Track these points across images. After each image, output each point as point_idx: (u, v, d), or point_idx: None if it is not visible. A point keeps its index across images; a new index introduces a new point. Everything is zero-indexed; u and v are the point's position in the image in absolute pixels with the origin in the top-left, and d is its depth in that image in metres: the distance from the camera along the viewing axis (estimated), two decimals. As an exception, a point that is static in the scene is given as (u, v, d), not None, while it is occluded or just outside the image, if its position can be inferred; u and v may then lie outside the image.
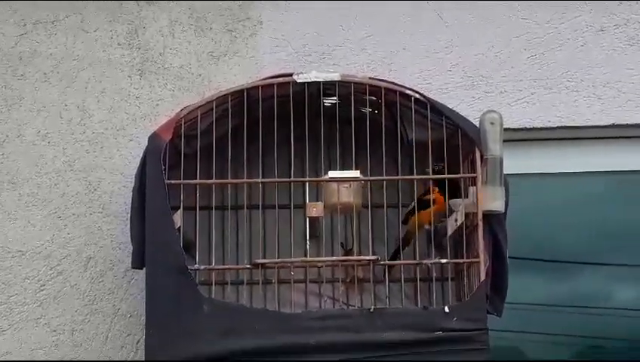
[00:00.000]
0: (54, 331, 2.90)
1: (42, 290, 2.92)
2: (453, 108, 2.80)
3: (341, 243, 2.82)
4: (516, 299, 3.02)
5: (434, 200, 2.67)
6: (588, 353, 3.17)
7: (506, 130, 2.74)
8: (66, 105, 3.01)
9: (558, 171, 3.07)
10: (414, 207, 2.71)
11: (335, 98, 2.75)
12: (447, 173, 2.66)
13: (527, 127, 2.99)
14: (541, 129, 3.00)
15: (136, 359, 2.85)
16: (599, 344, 3.18)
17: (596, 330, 3.16)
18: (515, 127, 2.97)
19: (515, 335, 3.11)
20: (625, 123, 3.00)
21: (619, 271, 3.19)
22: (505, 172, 2.67)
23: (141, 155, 2.74)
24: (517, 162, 2.93)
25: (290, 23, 3.03)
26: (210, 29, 3.04)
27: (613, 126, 3.00)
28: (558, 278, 3.20)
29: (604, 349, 3.17)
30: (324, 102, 2.77)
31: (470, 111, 2.91)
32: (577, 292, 3.18)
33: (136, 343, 2.87)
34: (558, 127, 3.00)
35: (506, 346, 3.12)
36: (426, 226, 2.72)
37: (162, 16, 3.04)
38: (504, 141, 2.69)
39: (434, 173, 2.66)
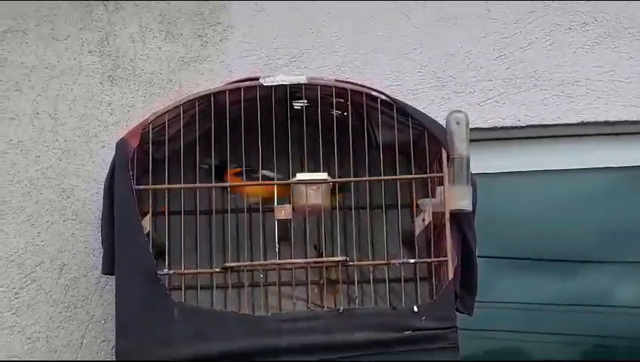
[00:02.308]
0: (29, 338, 2.90)
1: (16, 298, 2.92)
2: (424, 109, 2.81)
3: (314, 245, 2.83)
4: (513, 298, 3.06)
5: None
6: (589, 352, 3.17)
7: (475, 129, 2.76)
8: (37, 114, 3.02)
9: (528, 170, 3.08)
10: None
11: (303, 101, 2.76)
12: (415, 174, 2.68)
13: (497, 126, 3.00)
14: (511, 128, 3.01)
15: (109, 364, 2.87)
16: (596, 343, 3.18)
17: (590, 329, 3.17)
18: (485, 127, 2.98)
19: (511, 335, 3.13)
20: (594, 120, 3.01)
21: (599, 268, 3.20)
22: (475, 171, 2.69)
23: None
24: (487, 162, 2.95)
25: (260, 28, 3.04)
26: (181, 34, 3.05)
27: (582, 124, 3.01)
28: (539, 277, 3.21)
29: (604, 348, 3.18)
30: (292, 106, 2.78)
31: (440, 111, 2.92)
32: (570, 291, 3.19)
33: (112, 349, 2.88)
34: (527, 126, 3.01)
35: (504, 347, 3.13)
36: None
37: (132, 23, 3.05)
38: (474, 140, 2.71)
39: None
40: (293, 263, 2.67)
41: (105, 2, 3.06)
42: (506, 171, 3.07)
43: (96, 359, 2.89)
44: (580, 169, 3.07)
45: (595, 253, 3.17)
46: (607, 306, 3.16)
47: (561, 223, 3.16)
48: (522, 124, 3.00)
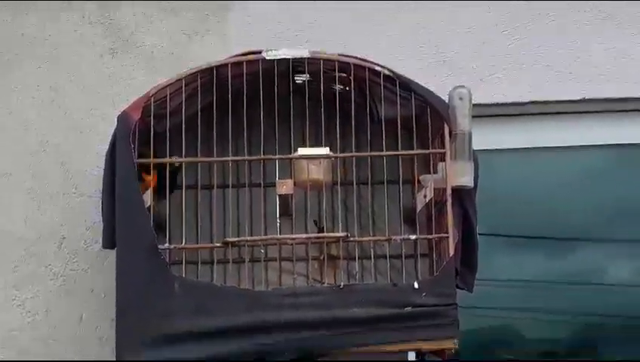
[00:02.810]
0: (29, 312, 2.90)
1: (16, 271, 2.92)
2: (426, 85, 2.78)
3: (314, 221, 2.82)
4: (511, 276, 3.06)
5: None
6: (582, 330, 3.17)
7: (478, 105, 2.75)
8: (38, 86, 3.00)
9: (530, 146, 3.07)
10: None
11: (305, 75, 2.75)
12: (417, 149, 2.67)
13: (499, 102, 2.99)
14: (513, 104, 3.00)
15: (110, 338, 2.86)
16: (594, 321, 3.19)
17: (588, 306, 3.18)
18: (488, 103, 2.97)
19: (509, 312, 3.13)
20: (596, 97, 3.00)
21: (600, 247, 3.20)
22: (477, 147, 2.68)
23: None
24: (488, 137, 2.94)
25: (263, 2, 3.02)
26: (183, 7, 3.03)
27: (584, 100, 3.00)
28: (536, 254, 3.21)
29: (599, 326, 3.18)
30: (294, 80, 2.77)
31: (442, 87, 2.87)
32: (564, 269, 3.19)
33: (111, 321, 2.87)
34: (529, 102, 3.00)
35: (501, 324, 3.14)
36: None
37: (134, -4, 3.04)
38: (477, 116, 2.69)
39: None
40: (294, 238, 2.67)
41: (107, -26, 3.04)
42: (507, 148, 3.07)
43: (95, 333, 2.88)
44: (581, 146, 3.07)
45: (593, 231, 3.17)
46: (603, 284, 3.16)
47: (561, 201, 3.16)
48: (524, 100, 2.99)
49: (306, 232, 2.78)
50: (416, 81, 2.74)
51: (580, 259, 3.19)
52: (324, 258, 2.77)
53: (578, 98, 2.99)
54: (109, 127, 2.90)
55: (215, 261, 2.67)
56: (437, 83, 2.93)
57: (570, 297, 3.15)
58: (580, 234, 3.18)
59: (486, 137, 2.91)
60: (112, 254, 2.84)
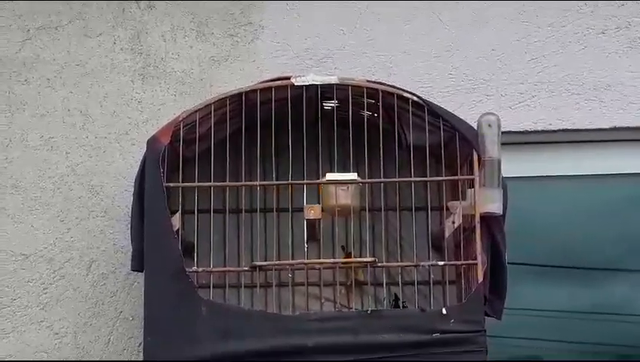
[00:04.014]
0: (57, 334, 2.92)
1: (45, 293, 2.94)
2: (454, 112, 2.79)
3: (342, 246, 2.83)
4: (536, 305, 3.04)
5: None
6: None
7: (507, 132, 2.74)
8: (69, 110, 3.03)
9: (559, 174, 3.06)
10: None
11: (334, 101, 2.76)
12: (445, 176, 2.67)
13: (529, 130, 2.99)
14: (542, 132, 2.99)
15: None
16: (616, 351, 3.16)
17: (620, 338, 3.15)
18: (517, 130, 2.97)
19: (533, 342, 3.10)
20: (626, 126, 2.99)
21: (622, 277, 3.18)
22: (506, 175, 2.67)
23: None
24: (519, 165, 2.93)
25: (291, 28, 3.04)
26: (212, 33, 3.06)
27: (614, 129, 2.99)
28: (566, 284, 3.19)
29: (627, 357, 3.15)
30: (323, 106, 2.78)
31: (471, 114, 2.90)
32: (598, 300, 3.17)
33: (138, 346, 2.89)
34: (559, 130, 2.99)
35: (526, 355, 3.11)
36: None
37: (164, 21, 3.06)
38: (506, 144, 2.69)
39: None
40: (322, 263, 2.66)
41: (137, 1, 3.07)
42: (536, 175, 3.05)
43: (122, 356, 2.89)
44: (611, 174, 3.05)
45: (622, 261, 3.14)
46: (630, 315, 3.13)
47: (590, 230, 3.13)
48: (554, 128, 2.98)
49: (334, 257, 2.78)
50: (444, 107, 2.75)
51: (606, 289, 3.16)
52: (351, 283, 2.77)
53: (608, 127, 2.98)
54: (139, 152, 2.93)
55: (243, 284, 2.67)
56: (465, 110, 2.95)
57: (597, 328, 3.12)
58: (608, 264, 3.15)
59: (514, 164, 2.90)
60: (139, 277, 2.87)
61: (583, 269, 3.17)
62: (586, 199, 3.13)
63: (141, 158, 2.77)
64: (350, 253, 2.81)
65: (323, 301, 2.70)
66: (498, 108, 2.96)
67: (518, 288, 2.97)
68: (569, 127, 2.99)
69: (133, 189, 2.78)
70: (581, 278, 3.17)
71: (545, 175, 3.06)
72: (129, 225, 2.82)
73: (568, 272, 3.17)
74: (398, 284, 2.70)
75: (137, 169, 2.79)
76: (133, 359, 2.89)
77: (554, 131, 2.99)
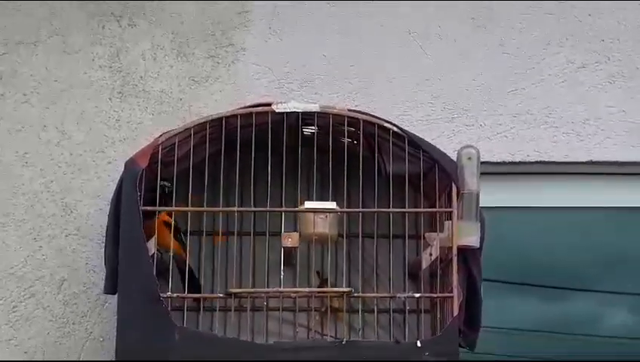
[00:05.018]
0: (26, 353, 2.88)
1: (14, 311, 2.90)
2: (433, 140, 2.81)
3: (317, 271, 2.82)
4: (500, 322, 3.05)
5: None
6: None
7: (484, 163, 2.75)
8: (45, 126, 3.00)
9: (535, 205, 3.07)
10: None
11: (314, 128, 2.75)
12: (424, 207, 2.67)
13: (506, 161, 2.99)
14: (520, 163, 3.00)
15: (107, 384, 2.85)
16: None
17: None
18: (494, 161, 2.98)
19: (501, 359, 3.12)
20: (603, 160, 3.00)
21: (597, 298, 3.19)
22: (482, 205, 2.68)
23: (118, 179, 2.73)
24: (495, 196, 2.94)
25: (272, 51, 3.03)
26: (193, 54, 3.04)
27: (591, 163, 3.00)
28: (534, 303, 3.22)
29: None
30: (303, 132, 2.77)
31: (449, 143, 2.92)
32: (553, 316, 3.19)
33: (108, 367, 2.87)
34: (536, 162, 3.00)
35: None
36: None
37: (144, 40, 3.04)
38: (483, 174, 2.69)
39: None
40: (298, 291, 2.65)
41: (118, 18, 3.05)
42: (512, 206, 3.06)
43: (93, 374, 2.87)
44: (587, 208, 3.07)
45: (587, 284, 3.16)
46: (593, 335, 3.16)
47: (561, 259, 3.16)
48: (531, 160, 2.99)
49: (309, 284, 2.77)
50: (423, 136, 2.75)
51: (574, 308, 3.19)
52: (325, 310, 2.76)
53: (585, 160, 3.00)
54: (114, 171, 2.91)
55: (217, 308, 2.66)
56: (444, 139, 2.95)
57: (564, 346, 3.15)
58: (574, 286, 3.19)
59: (490, 195, 2.91)
60: (111, 299, 2.84)
61: (547, 288, 3.20)
62: (562, 230, 3.14)
63: (117, 178, 2.74)
64: (326, 279, 2.80)
65: (298, 330, 2.69)
66: (477, 138, 2.97)
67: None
68: (546, 160, 3.00)
69: (107, 208, 2.76)
70: (543, 297, 3.17)
71: (522, 206, 3.07)
72: (102, 245, 2.80)
73: (534, 291, 3.17)
74: (373, 312, 2.69)
75: (112, 187, 2.78)
76: (102, 379, 2.87)
77: (531, 163, 3.00)
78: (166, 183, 2.65)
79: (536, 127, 3.01)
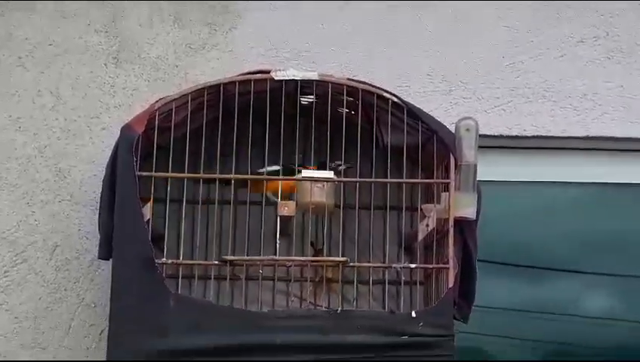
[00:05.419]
0: (17, 318, 2.86)
1: (6, 276, 2.88)
2: (430, 112, 2.79)
3: (311, 242, 2.81)
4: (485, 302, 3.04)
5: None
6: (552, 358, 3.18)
7: (481, 136, 2.74)
8: (39, 91, 2.97)
9: (531, 180, 3.07)
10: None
11: (312, 97, 2.73)
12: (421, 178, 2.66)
13: (504, 134, 2.99)
14: (517, 137, 3.00)
15: (98, 349, 2.83)
16: (567, 350, 3.19)
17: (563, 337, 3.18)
18: (491, 134, 2.97)
19: (482, 338, 3.12)
20: (600, 135, 3.00)
21: (585, 279, 3.20)
22: (478, 178, 2.67)
23: (113, 145, 2.70)
24: (491, 169, 2.93)
25: (270, 19, 3.01)
26: (190, 20, 3.01)
27: (587, 138, 3.00)
28: (529, 283, 3.21)
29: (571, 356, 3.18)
30: (301, 101, 2.75)
31: (447, 116, 2.90)
32: (546, 299, 3.18)
33: (100, 333, 2.85)
34: (533, 137, 2.99)
35: (472, 347, 3.12)
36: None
37: (141, 6, 3.01)
38: (479, 147, 2.68)
39: (335, 170, 2.66)
40: (293, 260, 2.64)
41: (115, -18, 3.02)
42: (507, 180, 3.06)
43: (83, 343, 2.85)
44: (583, 183, 3.06)
45: (570, 263, 3.16)
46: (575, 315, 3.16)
47: (553, 235, 3.15)
48: (528, 134, 2.98)
49: (303, 253, 2.76)
50: (421, 108, 2.73)
51: (556, 289, 3.19)
52: (320, 281, 2.75)
53: (581, 135, 2.99)
54: (109, 137, 2.89)
55: (212, 277, 2.65)
56: (441, 111, 2.94)
57: (543, 326, 3.15)
58: (557, 266, 3.18)
59: (485, 168, 2.90)
60: (104, 264, 2.83)
61: (540, 269, 3.19)
62: (557, 205, 3.14)
63: (112, 143, 2.72)
64: (320, 250, 2.79)
65: (293, 299, 2.68)
66: (474, 111, 2.95)
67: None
68: (543, 134, 2.99)
69: (101, 175, 2.74)
70: (535, 277, 3.17)
71: (518, 180, 3.06)
72: (96, 211, 2.79)
73: (524, 270, 3.18)
74: (367, 284, 2.68)
75: (107, 154, 2.76)
76: (93, 346, 2.85)
77: (528, 137, 2.99)
78: (339, 163, 2.63)
79: (534, 101, 3.00)
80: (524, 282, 3.20)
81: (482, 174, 2.70)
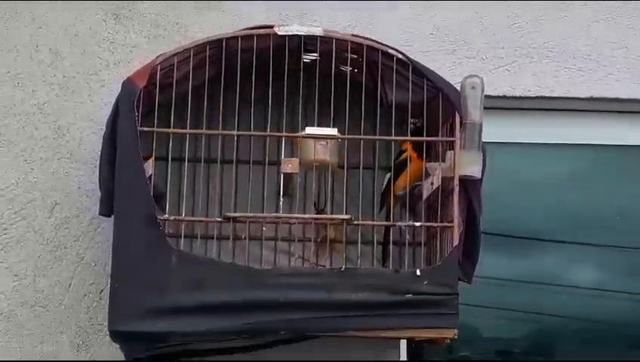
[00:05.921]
0: (16, 276, 2.84)
1: (5, 234, 2.85)
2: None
3: (314, 202, 2.79)
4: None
5: (409, 157, 2.63)
6: (544, 329, 3.17)
7: (485, 96, 2.71)
8: (37, 47, 2.93)
9: (534, 141, 3.06)
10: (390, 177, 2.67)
11: (315, 54, 2.70)
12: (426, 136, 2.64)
13: (507, 95, 2.97)
14: (520, 98, 2.98)
15: (98, 308, 2.81)
16: (556, 322, 3.18)
17: (554, 308, 3.17)
18: (495, 95, 2.95)
19: (472, 309, 3.11)
20: (604, 96, 2.98)
21: (583, 249, 3.19)
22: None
23: (113, 102, 2.67)
24: (494, 130, 2.90)
25: (271, -20, 2.97)
26: (191, -22, 2.98)
27: (591, 99, 2.98)
28: (524, 251, 3.19)
29: (561, 327, 3.18)
30: (304, 59, 2.72)
31: (451, 76, 2.85)
32: (538, 269, 3.17)
33: (100, 292, 2.83)
34: (537, 97, 2.97)
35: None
36: (401, 192, 2.67)
37: (141, -40, 2.97)
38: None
39: (412, 130, 2.62)
40: (297, 218, 2.62)
41: (115, -63, 2.97)
42: (510, 141, 3.04)
43: (83, 302, 2.83)
44: (587, 145, 3.05)
45: (576, 231, 3.15)
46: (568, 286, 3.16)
47: (554, 199, 3.14)
48: (532, 95, 2.96)
49: (304, 213, 2.73)
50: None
51: (544, 260, 3.18)
52: (322, 240, 2.73)
53: (585, 96, 2.97)
54: (108, 94, 2.86)
55: (215, 236, 2.62)
56: (445, 71, 2.89)
57: (529, 297, 3.14)
58: (548, 236, 3.16)
59: (488, 128, 2.87)
60: (104, 222, 2.81)
61: (542, 241, 3.18)
62: (560, 167, 3.12)
63: (112, 101, 2.69)
64: (323, 210, 2.77)
65: (296, 257, 2.66)
66: (477, 71, 2.92)
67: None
68: (547, 95, 2.97)
69: (101, 132, 2.71)
70: (515, 247, 3.16)
71: (520, 141, 3.05)
72: (95, 169, 2.76)
73: (502, 240, 3.17)
74: (371, 243, 2.67)
75: (106, 111, 2.72)
76: (94, 305, 2.83)
77: (532, 98, 2.97)
78: (414, 120, 2.60)
79: (537, 61, 2.98)
80: (524, 250, 3.18)
81: (484, 134, 2.68)
